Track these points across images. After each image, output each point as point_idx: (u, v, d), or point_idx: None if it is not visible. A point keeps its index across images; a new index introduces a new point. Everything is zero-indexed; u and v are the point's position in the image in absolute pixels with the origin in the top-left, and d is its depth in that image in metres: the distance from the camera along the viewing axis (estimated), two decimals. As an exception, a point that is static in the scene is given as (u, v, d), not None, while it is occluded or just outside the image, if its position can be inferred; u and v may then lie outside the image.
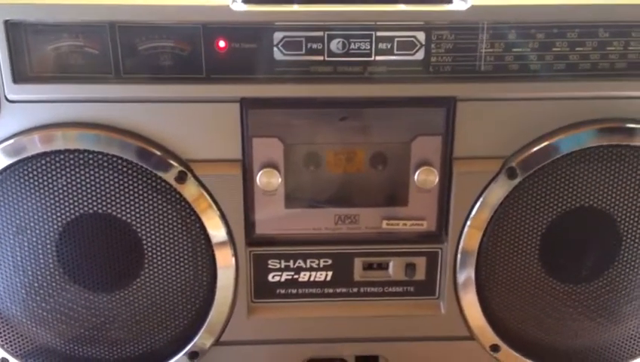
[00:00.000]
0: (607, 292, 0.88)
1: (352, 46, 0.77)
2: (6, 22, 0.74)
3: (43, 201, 0.80)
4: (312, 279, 0.89)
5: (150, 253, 0.84)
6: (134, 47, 0.76)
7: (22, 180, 0.80)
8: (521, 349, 0.91)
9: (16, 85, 0.76)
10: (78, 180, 0.80)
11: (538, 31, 0.76)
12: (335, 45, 0.76)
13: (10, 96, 0.77)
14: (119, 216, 0.82)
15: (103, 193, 0.81)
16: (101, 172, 0.80)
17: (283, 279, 0.89)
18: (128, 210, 0.82)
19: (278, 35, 0.76)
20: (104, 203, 0.81)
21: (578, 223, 0.84)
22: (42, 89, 0.77)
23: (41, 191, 0.80)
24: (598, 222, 0.85)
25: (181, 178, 0.80)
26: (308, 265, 0.88)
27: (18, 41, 0.75)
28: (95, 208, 0.81)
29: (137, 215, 0.82)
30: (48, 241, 0.83)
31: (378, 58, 0.77)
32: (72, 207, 0.81)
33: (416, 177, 0.83)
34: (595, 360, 0.92)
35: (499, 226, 0.84)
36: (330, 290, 0.90)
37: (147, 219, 0.82)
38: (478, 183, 0.83)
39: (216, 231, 0.83)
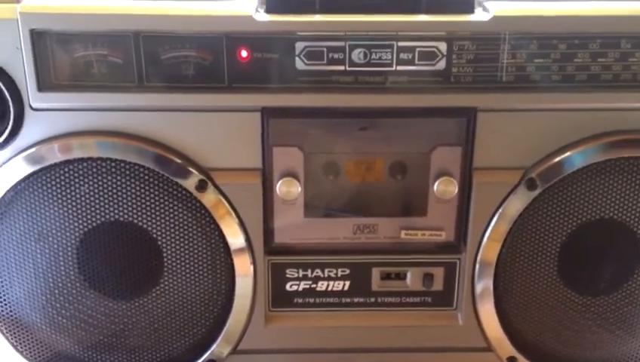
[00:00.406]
0: (626, 304, 0.88)
1: (374, 56, 0.77)
2: (32, 31, 0.74)
3: (65, 209, 0.81)
4: (329, 288, 0.89)
5: (169, 261, 0.84)
6: (157, 56, 0.76)
7: (43, 188, 0.80)
8: (538, 361, 0.91)
9: (40, 93, 0.77)
10: (100, 188, 0.80)
11: (560, 42, 0.76)
12: (356, 55, 0.77)
13: (35, 105, 0.78)
14: (140, 223, 0.82)
15: (124, 201, 0.81)
16: (123, 180, 0.80)
17: (301, 288, 0.89)
18: (148, 218, 0.82)
19: (299, 45, 0.76)
20: (125, 210, 0.81)
21: (597, 235, 0.84)
22: (66, 97, 0.78)
23: (63, 199, 0.81)
24: (617, 234, 0.84)
25: (201, 186, 0.81)
26: (326, 275, 0.88)
27: (43, 50, 0.75)
28: (116, 216, 0.81)
29: (157, 223, 0.82)
30: (69, 249, 0.83)
31: (399, 68, 0.77)
32: (93, 214, 0.81)
33: (435, 187, 0.83)
34: (614, 372, 0.92)
35: (518, 238, 0.84)
36: (348, 300, 0.90)
37: (167, 227, 0.82)
38: (498, 194, 0.83)
39: (235, 240, 0.84)
